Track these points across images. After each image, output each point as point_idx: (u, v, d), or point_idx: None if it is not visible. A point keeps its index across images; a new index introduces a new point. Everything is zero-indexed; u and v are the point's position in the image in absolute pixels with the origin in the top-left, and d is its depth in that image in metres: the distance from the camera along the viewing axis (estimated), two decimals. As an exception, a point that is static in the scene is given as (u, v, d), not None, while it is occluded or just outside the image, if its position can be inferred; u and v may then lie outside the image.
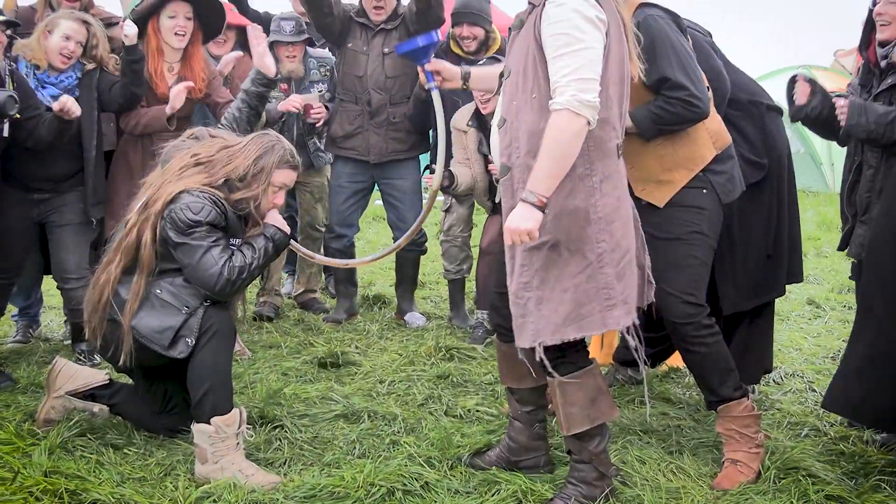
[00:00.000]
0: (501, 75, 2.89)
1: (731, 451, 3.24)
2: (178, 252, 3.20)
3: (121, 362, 3.23)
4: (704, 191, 3.24)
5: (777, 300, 4.03)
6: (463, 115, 4.94)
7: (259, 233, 3.34)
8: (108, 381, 3.59)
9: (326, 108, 5.30)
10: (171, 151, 3.40)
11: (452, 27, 5.31)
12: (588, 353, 2.98)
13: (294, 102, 5.13)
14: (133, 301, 3.20)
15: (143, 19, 4.48)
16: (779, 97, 3.97)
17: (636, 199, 3.30)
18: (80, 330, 4.43)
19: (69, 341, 4.73)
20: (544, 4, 2.72)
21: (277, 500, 2.95)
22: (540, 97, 2.72)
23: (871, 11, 3.56)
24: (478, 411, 3.82)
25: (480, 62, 4.90)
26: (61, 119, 3.97)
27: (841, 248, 3.74)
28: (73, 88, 4.21)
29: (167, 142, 3.55)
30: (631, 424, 3.69)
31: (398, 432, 3.56)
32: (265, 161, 3.29)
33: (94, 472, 3.11)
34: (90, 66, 4.29)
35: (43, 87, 4.18)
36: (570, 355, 2.89)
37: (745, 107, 3.69)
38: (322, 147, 5.52)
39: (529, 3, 2.85)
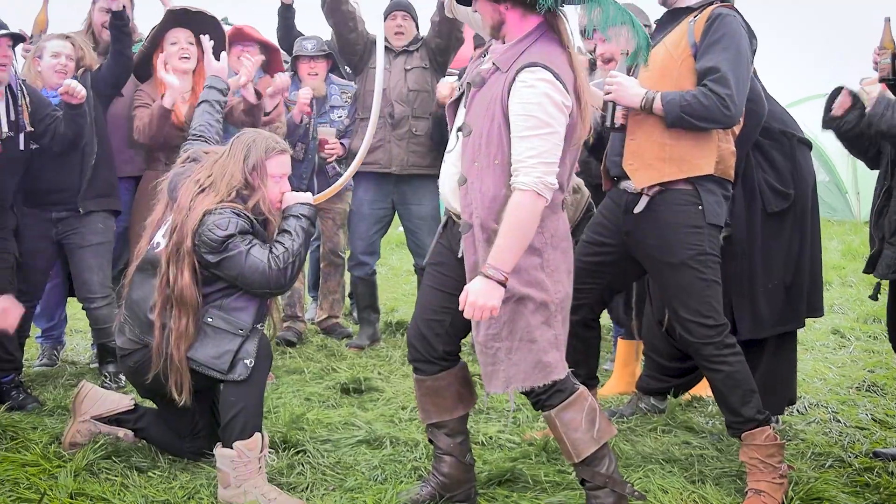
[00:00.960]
0: (459, 129, 2.93)
1: (754, 481, 3.22)
2: (222, 269, 3.19)
3: (182, 401, 3.21)
4: (700, 207, 3.25)
5: (802, 330, 4.00)
6: None
7: (286, 216, 3.35)
8: (133, 406, 3.61)
9: (342, 145, 5.38)
10: (176, 179, 3.40)
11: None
12: (571, 373, 2.99)
13: (304, 101, 5.26)
14: (180, 339, 3.17)
15: (148, 55, 4.62)
16: (804, 122, 3.97)
17: (632, 217, 3.32)
18: (108, 351, 4.51)
19: (96, 364, 4.77)
20: (514, 78, 2.77)
21: (299, 524, 2.97)
22: (503, 163, 2.80)
23: None
24: (499, 438, 3.81)
25: None
26: (71, 105, 4.04)
27: (867, 271, 3.73)
28: None
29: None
30: (653, 453, 3.68)
31: (420, 458, 3.56)
32: (254, 157, 3.29)
33: (118, 494, 3.14)
34: (80, 72, 4.41)
35: None
36: (558, 383, 2.92)
37: (776, 136, 3.70)
38: (341, 171, 5.58)
39: (495, 65, 2.86)
